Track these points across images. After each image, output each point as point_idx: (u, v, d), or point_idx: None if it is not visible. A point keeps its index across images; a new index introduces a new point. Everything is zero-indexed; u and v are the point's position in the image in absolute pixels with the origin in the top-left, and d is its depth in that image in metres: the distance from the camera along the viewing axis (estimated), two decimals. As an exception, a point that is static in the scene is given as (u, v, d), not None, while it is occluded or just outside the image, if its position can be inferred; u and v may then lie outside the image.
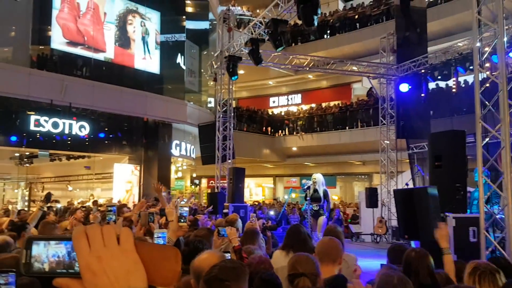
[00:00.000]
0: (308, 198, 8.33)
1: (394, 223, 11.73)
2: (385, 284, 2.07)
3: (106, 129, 15.05)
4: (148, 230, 4.08)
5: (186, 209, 3.32)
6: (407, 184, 10.29)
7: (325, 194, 8.37)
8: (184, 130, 17.37)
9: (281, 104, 25.95)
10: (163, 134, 16.62)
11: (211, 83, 20.20)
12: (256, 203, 18.64)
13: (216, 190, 12.34)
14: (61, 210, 8.99)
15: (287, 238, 3.51)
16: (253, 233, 3.96)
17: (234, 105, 16.68)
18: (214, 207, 10.03)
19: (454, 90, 13.54)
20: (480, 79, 5.77)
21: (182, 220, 3.21)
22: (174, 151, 16.91)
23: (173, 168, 18.84)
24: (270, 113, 22.46)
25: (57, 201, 11.82)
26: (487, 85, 5.81)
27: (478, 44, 5.88)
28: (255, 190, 27.14)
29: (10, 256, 2.47)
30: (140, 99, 14.69)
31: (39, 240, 0.67)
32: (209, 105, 21.53)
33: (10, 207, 10.19)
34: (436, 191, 4.99)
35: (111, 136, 15.25)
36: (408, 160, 13.18)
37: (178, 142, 17.04)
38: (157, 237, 3.08)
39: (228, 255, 2.79)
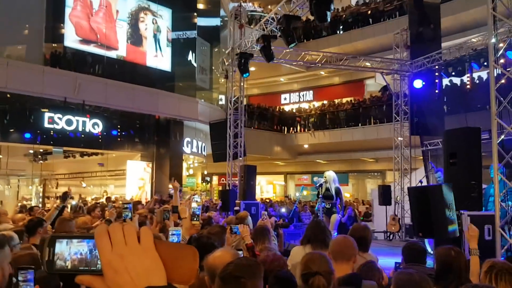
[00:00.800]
0: (320, 196, 8.29)
1: (407, 220, 11.65)
2: (407, 282, 2.05)
3: (119, 126, 15.17)
4: (163, 227, 4.11)
5: (199, 207, 3.33)
6: (421, 182, 10.18)
7: (338, 191, 8.32)
8: (195, 128, 17.43)
9: (293, 101, 25.89)
10: (175, 131, 16.69)
11: (222, 80, 20.28)
12: (267, 201, 18.66)
13: (227, 188, 12.37)
14: (76, 206, 9.12)
15: (309, 232, 3.51)
16: (263, 230, 3.96)
17: (245, 102, 16.68)
18: (225, 204, 10.05)
19: (468, 86, 13.36)
20: (495, 75, 5.68)
21: (195, 219, 3.21)
22: (186, 149, 16.98)
23: (184, 165, 18.93)
24: (282, 110, 22.42)
25: (72, 198, 12.01)
26: (503, 81, 5.71)
27: (493, 40, 5.78)
28: (266, 187, 27.17)
29: (26, 253, 2.51)
30: (152, 97, 14.76)
31: (62, 238, 0.68)
32: (220, 103, 21.55)
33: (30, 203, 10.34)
34: (451, 188, 4.93)
35: (123, 133, 15.37)
36: (422, 157, 13.05)
37: (189, 139, 17.11)
38: (172, 235, 3.11)
39: (240, 253, 2.80)
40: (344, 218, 8.52)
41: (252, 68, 21.71)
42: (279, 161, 24.61)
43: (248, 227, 4.48)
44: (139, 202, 7.94)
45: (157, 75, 16.34)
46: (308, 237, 3.51)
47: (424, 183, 10.65)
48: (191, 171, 21.57)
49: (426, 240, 5.98)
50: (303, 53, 12.58)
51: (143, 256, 0.65)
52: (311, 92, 25.41)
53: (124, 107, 14.27)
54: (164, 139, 16.25)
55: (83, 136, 13.52)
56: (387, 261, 5.59)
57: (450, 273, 2.52)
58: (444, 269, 2.60)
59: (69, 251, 0.68)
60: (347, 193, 22.89)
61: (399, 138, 13.09)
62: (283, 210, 14.02)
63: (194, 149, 17.48)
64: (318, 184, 8.54)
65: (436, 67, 11.72)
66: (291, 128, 21.45)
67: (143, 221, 4.80)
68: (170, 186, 16.31)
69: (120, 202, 7.88)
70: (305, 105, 23.90)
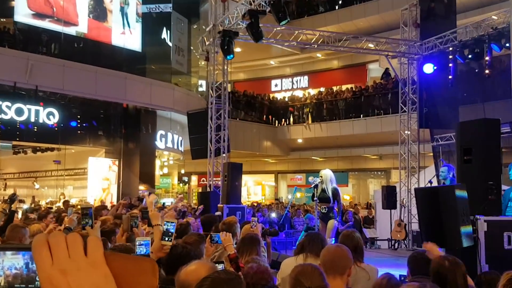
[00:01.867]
0: (315, 199, 8.30)
1: (415, 227, 11.78)
2: None
3: (79, 116, 15.00)
4: (131, 237, 4.08)
5: (173, 224, 3.26)
6: (430, 182, 10.29)
7: (335, 193, 8.32)
8: (170, 119, 17.34)
9: (285, 88, 25.94)
10: (146, 123, 16.58)
11: (203, 63, 20.14)
12: (255, 204, 18.69)
13: (208, 189, 12.35)
14: (28, 211, 8.98)
15: (305, 243, 3.51)
16: (252, 240, 3.96)
17: (229, 89, 16.59)
18: (205, 209, 10.03)
19: (487, 71, 13.50)
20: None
21: (167, 239, 3.16)
22: (159, 143, 16.90)
23: (157, 163, 18.86)
24: (272, 99, 22.44)
25: (22, 201, 11.84)
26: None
27: (516, 18, 5.85)
28: (254, 189, 27.24)
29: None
30: (119, 82, 14.63)
31: None
32: (200, 89, 21.44)
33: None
34: (464, 190, 4.99)
35: (84, 125, 15.21)
36: (432, 154, 13.18)
37: (163, 132, 17.03)
38: (139, 245, 3.08)
39: (221, 266, 2.79)
40: (340, 225, 8.56)
41: (237, 49, 21.60)
42: (269, 158, 24.66)
43: (236, 236, 4.48)
44: (103, 207, 7.86)
45: (125, 56, 16.20)
46: (302, 246, 3.53)
47: (435, 184, 10.77)
48: (165, 170, 21.51)
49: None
50: (296, 32, 12.57)
51: (90, 271, 0.63)
52: (306, 77, 25.48)
53: (85, 94, 14.11)
54: (133, 132, 16.16)
55: (36, 128, 13.33)
56: (392, 273, 5.65)
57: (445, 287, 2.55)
58: (438, 282, 2.63)
59: (2, 265, 0.66)
60: (346, 195, 23.09)
61: (406, 132, 13.21)
62: (273, 215, 14.07)
63: (169, 143, 17.40)
64: (313, 185, 8.53)
65: (450, 49, 11.82)
66: (283, 120, 21.50)
67: (112, 230, 4.75)
68: (142, 188, 16.31)
69: (79, 207, 7.80)
70: (299, 93, 23.95)
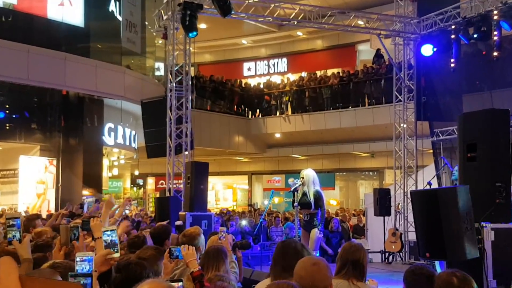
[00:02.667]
0: (296, 204, 8.34)
1: (413, 236, 11.95)
2: None
3: (7, 106, 14.73)
4: (70, 252, 4.01)
5: (113, 231, 3.21)
6: (430, 184, 10.47)
7: (317, 197, 8.36)
8: (121, 109, 17.20)
9: (260, 73, 25.98)
10: (91, 114, 16.42)
11: (160, 41, 19.97)
12: (225, 212, 18.68)
13: (167, 194, 12.26)
14: None
15: (275, 260, 3.51)
16: (217, 253, 3.96)
17: (193, 74, 16.51)
18: (162, 217, 9.99)
19: (495, 54, 13.77)
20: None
21: (115, 250, 3.11)
22: (107, 139, 16.73)
23: (105, 162, 18.65)
24: (244, 85, 22.43)
25: None
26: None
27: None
28: (224, 193, 27.22)
29: None
30: (57, 63, 14.40)
31: None
32: (157, 73, 21.26)
33: None
34: (468, 192, 5.10)
35: (14, 116, 15.00)
36: (431, 151, 13.39)
37: (112, 125, 16.88)
38: (81, 261, 3.02)
39: (179, 285, 2.78)
40: (320, 234, 8.59)
41: (202, 25, 21.59)
42: (241, 156, 24.66)
43: (200, 250, 4.46)
44: (37, 216, 7.70)
45: (64, 32, 15.97)
46: (274, 260, 3.53)
47: (435, 186, 10.97)
48: (115, 171, 21.29)
49: (436, 263, 6.17)
50: (273, 5, 12.56)
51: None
52: (284, 60, 25.57)
53: (15, 78, 13.87)
54: (75, 125, 16.01)
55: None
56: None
57: None
58: None
59: None
60: (333, 200, 23.33)
61: (402, 125, 13.38)
62: (244, 223, 14.09)
63: (119, 139, 17.23)
64: (293, 188, 8.57)
65: (453, 27, 11.98)
66: (258, 111, 21.52)
67: (49, 244, 4.64)
68: (86, 193, 16.09)
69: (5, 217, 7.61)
70: (276, 78, 24.02)
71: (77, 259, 2.91)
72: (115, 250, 3.13)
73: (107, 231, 3.20)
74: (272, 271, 3.40)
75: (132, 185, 25.83)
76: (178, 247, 3.77)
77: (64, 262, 3.47)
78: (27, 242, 3.46)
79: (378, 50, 19.19)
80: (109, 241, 3.15)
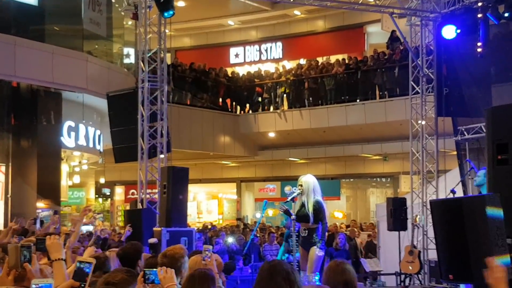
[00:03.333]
0: (293, 217, 8.37)
1: (433, 255, 11.99)
2: None
3: None
4: (21, 275, 3.99)
5: (89, 265, 3.23)
6: (453, 192, 10.50)
7: (317, 208, 8.38)
8: (83, 104, 17.12)
9: (250, 60, 25.95)
10: (47, 110, 16.34)
11: (129, 22, 19.86)
12: (209, 227, 18.64)
13: (139, 206, 12.23)
14: None
15: (259, 284, 3.51)
16: (204, 278, 3.96)
17: (169, 61, 16.48)
18: (135, 234, 9.97)
19: (530, 37, 13.87)
20: None
21: (81, 282, 3.14)
22: (67, 140, 16.68)
23: (65, 168, 18.57)
24: (231, 75, 22.41)
25: None
26: None
27: None
28: (207, 204, 27.17)
29: None
30: (5, 50, 14.33)
31: None
32: (126, 61, 21.15)
33: None
34: (499, 201, 5.11)
35: (-46, 113, 14.87)
36: (455, 152, 13.41)
37: (73, 124, 16.82)
38: (37, 289, 3.01)
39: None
40: (321, 252, 8.59)
41: (179, 3, 21.58)
42: (228, 160, 24.62)
43: (181, 274, 4.45)
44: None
45: (13, 12, 15.90)
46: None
47: (460, 194, 11.00)
48: (77, 179, 21.21)
49: (462, 286, 6.19)
50: (265, -22, 12.58)
51: None
52: (279, 44, 25.54)
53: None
54: (27, 124, 15.96)
55: None
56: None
57: None
58: None
59: None
60: (338, 212, 23.35)
61: (420, 122, 13.40)
62: (231, 240, 14.08)
63: (81, 140, 17.18)
64: (290, 198, 8.60)
65: (479, 4, 12.03)
66: (247, 105, 21.50)
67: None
68: (42, 205, 16.00)
69: None
70: (269, 67, 24.00)
71: (33, 286, 2.90)
72: (83, 284, 3.14)
73: (84, 262, 3.21)
74: None
75: (97, 196, 25.72)
76: (154, 269, 3.76)
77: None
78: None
79: (393, 32, 19.17)
80: (77, 268, 3.16)
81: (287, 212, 8.65)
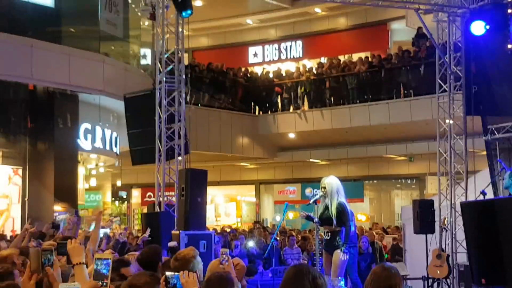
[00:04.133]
0: (316, 221, 8.38)
1: (463, 258, 11.90)
2: None
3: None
4: (43, 281, 4.01)
5: (107, 262, 3.23)
6: (483, 193, 10.40)
7: (340, 211, 8.40)
8: (99, 106, 17.21)
9: (269, 59, 25.94)
10: (63, 112, 16.43)
11: (146, 23, 19.94)
12: (227, 230, 18.65)
13: (157, 209, 12.27)
14: None
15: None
16: (222, 282, 3.93)
17: (187, 62, 16.48)
18: (153, 237, 10.02)
19: None
20: None
21: (105, 283, 3.15)
22: (83, 143, 16.76)
23: (81, 171, 18.68)
24: (250, 75, 22.42)
25: None
26: None
27: None
28: (225, 207, 27.18)
29: None
30: (21, 52, 14.46)
31: None
32: (143, 62, 21.24)
33: None
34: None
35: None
36: (485, 152, 13.28)
37: (89, 126, 16.90)
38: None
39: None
40: (345, 256, 8.55)
41: (197, 3, 21.61)
42: (246, 162, 24.63)
43: (196, 275, 4.45)
44: (1, 237, 7.79)
45: (30, 14, 15.98)
46: None
47: (490, 196, 10.90)
48: (93, 182, 21.32)
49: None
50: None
51: None
52: (299, 43, 25.51)
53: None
54: (44, 127, 16.01)
55: None
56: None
57: None
58: None
59: None
60: (361, 214, 23.24)
61: (448, 121, 13.31)
62: (251, 244, 14.08)
63: (98, 143, 17.26)
64: (313, 200, 8.62)
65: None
66: (267, 106, 21.48)
67: (8, 271, 4.62)
68: (59, 208, 16.11)
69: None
70: (289, 66, 23.97)
71: None
72: (104, 284, 3.14)
73: (102, 259, 3.21)
74: None
75: (113, 199, 25.85)
76: (176, 273, 3.76)
77: None
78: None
79: (419, 28, 19.02)
80: (95, 271, 3.16)
81: (308, 218, 8.72)
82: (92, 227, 8.89)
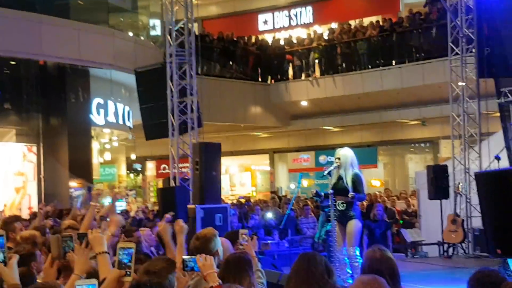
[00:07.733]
0: (331, 191, 8.44)
1: (478, 223, 11.93)
2: None
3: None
4: (64, 267, 4.08)
5: (129, 252, 3.28)
6: (497, 158, 10.37)
7: (356, 181, 8.44)
8: (111, 80, 17.27)
9: (279, 26, 25.72)
10: (75, 87, 16.45)
11: (155, -6, 19.85)
12: (243, 201, 18.72)
13: (172, 183, 12.36)
14: None
15: (297, 274, 3.57)
16: (240, 264, 3.97)
17: (196, 32, 16.43)
18: (167, 210, 10.11)
19: None
20: None
21: (127, 272, 3.21)
22: (96, 117, 16.82)
23: (95, 146, 18.78)
24: (261, 43, 22.29)
25: None
26: None
27: None
28: (240, 177, 27.26)
29: None
30: (31, 28, 14.45)
31: None
32: (152, 33, 21.17)
33: None
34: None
35: (-19, 94, 15.00)
36: (499, 115, 13.22)
37: (101, 101, 16.94)
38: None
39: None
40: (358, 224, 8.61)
41: (205, -29, 21.40)
42: (260, 131, 24.63)
43: (217, 256, 4.50)
44: (16, 218, 7.75)
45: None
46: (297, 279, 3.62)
47: (504, 160, 10.88)
48: (108, 156, 21.45)
49: (510, 261, 6.16)
50: None
51: None
52: (309, 9, 25.21)
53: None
54: (56, 103, 16.06)
55: None
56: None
57: None
58: None
59: None
60: (375, 180, 23.27)
61: (460, 84, 13.25)
62: (269, 215, 14.16)
63: (110, 117, 17.33)
64: (327, 171, 8.69)
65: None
66: (278, 74, 21.39)
67: (30, 253, 4.71)
68: (75, 184, 16.23)
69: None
70: (300, 33, 23.79)
71: (76, 285, 2.98)
72: (128, 273, 3.21)
73: (125, 248, 3.26)
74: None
75: (128, 172, 26.00)
76: (193, 257, 3.79)
77: (50, 284, 3.51)
78: (13, 265, 3.49)
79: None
80: (119, 261, 3.23)
81: (317, 195, 8.83)
82: (105, 200, 8.87)
